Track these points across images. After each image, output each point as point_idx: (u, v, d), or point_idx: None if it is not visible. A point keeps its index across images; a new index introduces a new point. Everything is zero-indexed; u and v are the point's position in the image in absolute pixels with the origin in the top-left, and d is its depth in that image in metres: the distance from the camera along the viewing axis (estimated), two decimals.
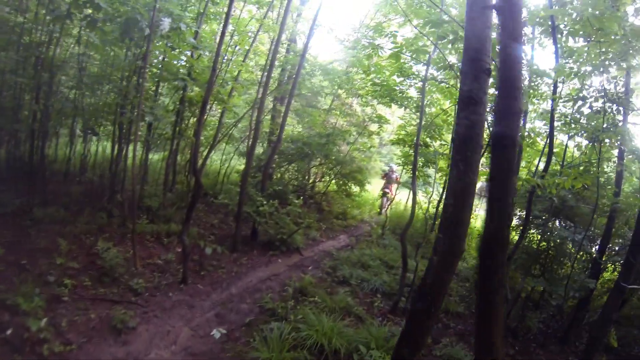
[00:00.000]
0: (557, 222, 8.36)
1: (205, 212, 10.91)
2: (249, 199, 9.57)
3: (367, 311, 7.40)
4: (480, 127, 3.74)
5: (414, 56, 8.24)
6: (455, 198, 3.74)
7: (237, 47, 10.78)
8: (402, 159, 14.55)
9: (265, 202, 9.59)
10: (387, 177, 17.51)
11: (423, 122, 12.79)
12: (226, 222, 10.75)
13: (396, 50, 7.85)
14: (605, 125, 7.13)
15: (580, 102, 7.36)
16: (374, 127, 15.45)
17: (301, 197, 11.37)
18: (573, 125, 7.47)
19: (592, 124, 7.22)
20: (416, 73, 10.46)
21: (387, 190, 17.39)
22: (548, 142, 7.00)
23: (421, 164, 13.58)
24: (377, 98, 12.56)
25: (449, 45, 7.14)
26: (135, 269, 6.92)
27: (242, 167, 13.09)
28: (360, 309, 7.26)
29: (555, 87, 7.14)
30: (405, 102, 11.83)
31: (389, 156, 27.40)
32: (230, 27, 10.17)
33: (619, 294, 6.58)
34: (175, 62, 9.34)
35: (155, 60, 9.36)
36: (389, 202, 17.47)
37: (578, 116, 7.40)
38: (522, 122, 9.56)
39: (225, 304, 6.70)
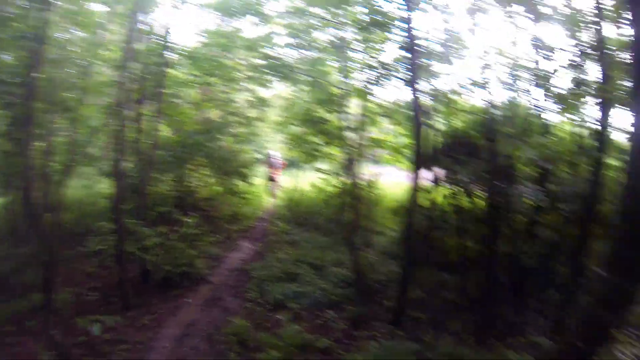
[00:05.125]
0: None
1: (76, 259, 8.57)
2: (129, 233, 7.51)
3: (331, 338, 6.16)
4: None
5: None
6: None
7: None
8: (293, 141, 13.26)
9: (151, 234, 7.69)
10: (271, 164, 17.39)
11: (319, 96, 11.65)
12: (105, 265, 8.48)
13: None
14: None
15: None
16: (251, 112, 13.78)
17: (193, 214, 9.48)
18: None
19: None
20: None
21: (275, 176, 17.40)
22: None
23: (320, 142, 12.48)
24: (270, 75, 11.01)
25: None
26: None
27: (110, 190, 10.81)
28: (323, 340, 5.98)
29: None
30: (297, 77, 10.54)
31: (259, 144, 25.87)
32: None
33: None
34: None
35: None
36: (278, 185, 17.57)
37: None
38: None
39: None
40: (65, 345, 4.78)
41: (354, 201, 12.47)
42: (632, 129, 3.76)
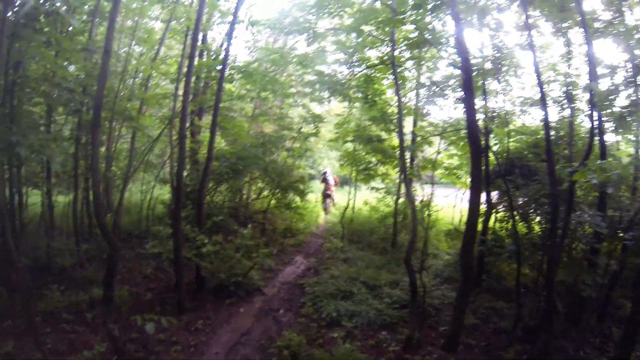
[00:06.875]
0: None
1: (134, 260, 8.68)
2: (186, 240, 7.46)
3: (385, 359, 5.92)
4: None
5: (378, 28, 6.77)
6: None
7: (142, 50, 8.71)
8: (347, 159, 13.15)
9: (206, 241, 7.59)
10: (325, 180, 17.42)
11: (374, 114, 11.50)
12: (161, 268, 8.58)
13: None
14: None
15: None
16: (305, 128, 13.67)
17: (249, 226, 9.38)
18: None
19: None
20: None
21: (329, 193, 17.42)
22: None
23: (375, 160, 12.28)
24: (322, 91, 11.00)
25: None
26: None
27: (167, 196, 10.94)
28: None
29: None
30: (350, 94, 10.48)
31: (311, 159, 25.99)
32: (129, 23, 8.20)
33: None
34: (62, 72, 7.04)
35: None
36: (332, 202, 17.62)
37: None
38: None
39: None
40: (120, 339, 4.74)
41: (409, 222, 12.18)
42: None
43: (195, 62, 9.90)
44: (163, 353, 5.65)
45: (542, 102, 6.23)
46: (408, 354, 6.04)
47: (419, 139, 11.74)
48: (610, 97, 6.30)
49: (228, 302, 7.54)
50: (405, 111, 12.23)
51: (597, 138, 6.67)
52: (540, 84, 6.13)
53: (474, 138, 6.02)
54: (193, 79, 10.70)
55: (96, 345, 5.42)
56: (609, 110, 6.45)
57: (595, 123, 6.60)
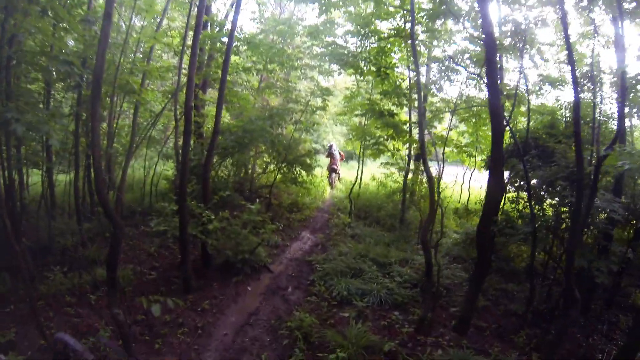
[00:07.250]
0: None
1: (137, 237, 8.55)
2: (192, 216, 7.23)
3: (397, 340, 5.66)
4: None
5: None
6: None
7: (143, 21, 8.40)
8: (354, 133, 12.91)
9: (212, 217, 7.37)
10: (331, 155, 17.31)
11: (386, 87, 11.18)
12: (166, 245, 8.47)
13: None
14: None
15: None
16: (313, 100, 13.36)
17: (257, 201, 9.17)
18: None
19: None
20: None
21: (335, 167, 17.32)
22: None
23: (385, 136, 11.99)
24: (332, 63, 10.75)
25: None
26: None
27: (171, 172, 10.76)
28: (389, 343, 5.45)
29: None
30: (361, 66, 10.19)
31: (316, 134, 25.89)
32: None
33: None
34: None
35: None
36: (337, 176, 17.60)
37: None
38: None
39: None
40: (125, 323, 4.57)
41: (417, 198, 11.95)
42: None
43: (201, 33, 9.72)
44: (169, 335, 5.50)
45: (573, 82, 5.82)
46: (421, 335, 5.88)
47: (430, 114, 11.44)
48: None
49: (235, 280, 7.37)
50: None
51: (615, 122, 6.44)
52: (572, 62, 5.75)
53: (496, 116, 5.71)
54: (197, 51, 10.54)
55: (101, 330, 5.30)
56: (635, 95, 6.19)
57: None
